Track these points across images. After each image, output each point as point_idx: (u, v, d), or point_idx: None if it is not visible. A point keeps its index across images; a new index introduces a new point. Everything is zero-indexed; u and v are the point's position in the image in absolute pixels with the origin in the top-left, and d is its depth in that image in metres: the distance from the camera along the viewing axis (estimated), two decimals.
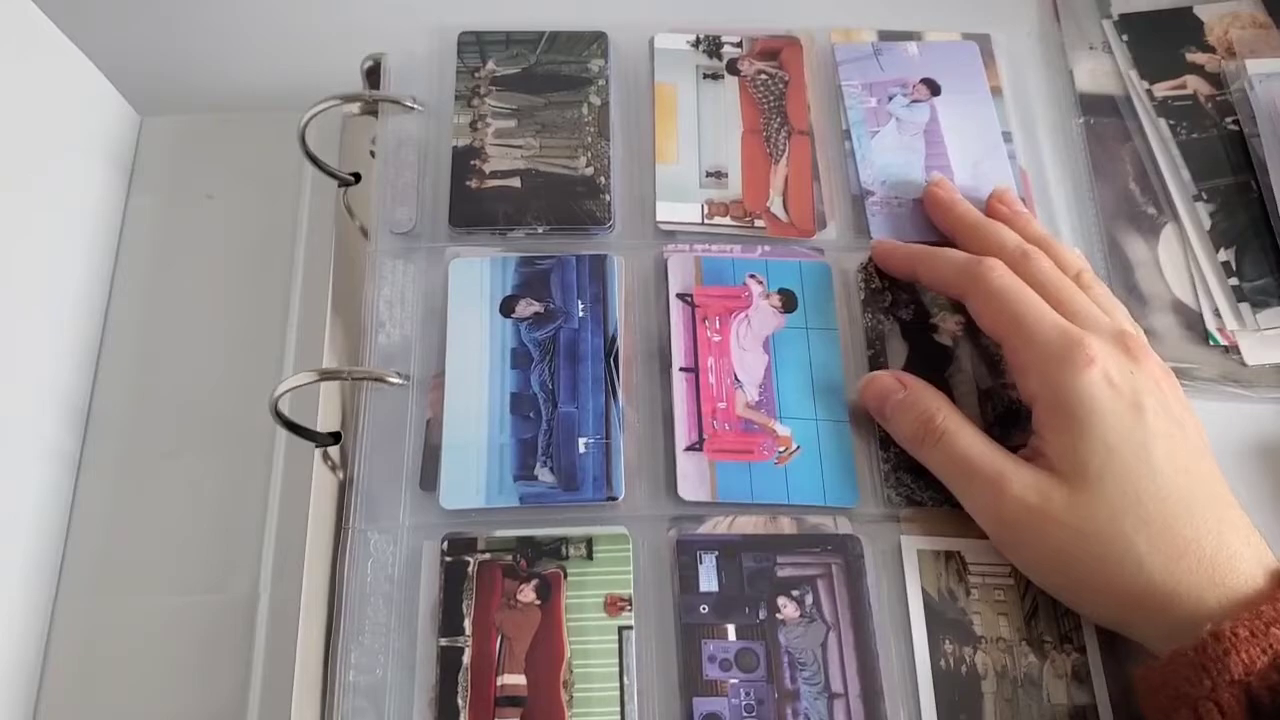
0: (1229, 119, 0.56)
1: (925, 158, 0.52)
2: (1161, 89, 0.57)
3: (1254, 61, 0.56)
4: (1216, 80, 0.57)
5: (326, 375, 0.46)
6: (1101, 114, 0.56)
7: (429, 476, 0.44)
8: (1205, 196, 0.53)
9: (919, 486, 0.44)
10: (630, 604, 0.41)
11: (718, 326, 0.47)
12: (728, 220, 0.50)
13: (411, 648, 0.41)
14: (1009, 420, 0.46)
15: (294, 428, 0.45)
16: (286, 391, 0.44)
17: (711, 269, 0.49)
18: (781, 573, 0.42)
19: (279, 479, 0.47)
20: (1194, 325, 0.51)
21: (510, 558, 0.42)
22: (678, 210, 0.50)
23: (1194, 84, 0.57)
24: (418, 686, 0.40)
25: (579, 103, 0.53)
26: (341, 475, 0.44)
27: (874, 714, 0.40)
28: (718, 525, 0.43)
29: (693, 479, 0.44)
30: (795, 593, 0.42)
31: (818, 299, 0.48)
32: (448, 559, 0.42)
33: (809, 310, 0.48)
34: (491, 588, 0.42)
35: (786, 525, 0.43)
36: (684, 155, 0.52)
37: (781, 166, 0.52)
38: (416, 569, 0.42)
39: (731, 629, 0.41)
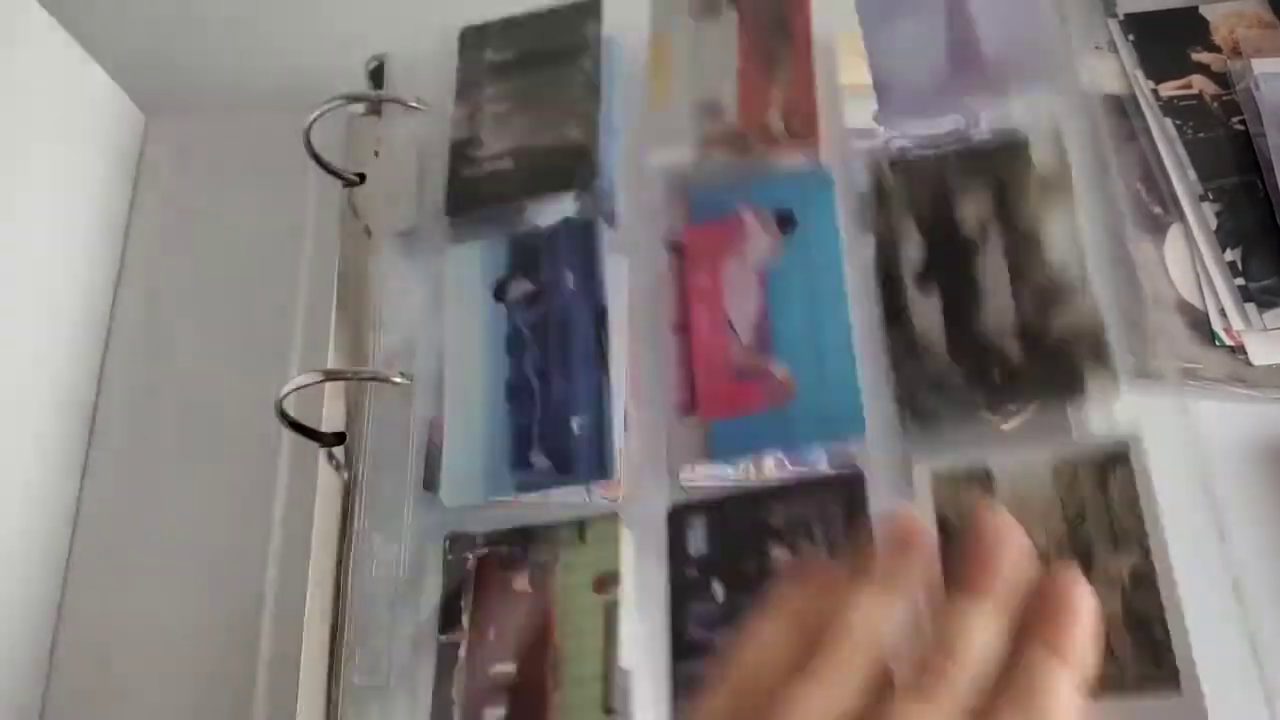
0: (1235, 118, 0.55)
1: (947, 28, 0.48)
2: (1167, 88, 0.56)
3: (1260, 61, 0.56)
4: (1222, 80, 0.57)
5: (331, 375, 0.46)
6: (1107, 114, 0.56)
7: (432, 475, 0.44)
8: (1211, 196, 0.53)
9: (939, 403, 0.40)
10: (619, 581, 0.41)
11: (709, 269, 0.45)
12: (724, 153, 0.47)
13: (413, 646, 0.41)
14: (1045, 305, 0.41)
15: (299, 428, 0.45)
16: (291, 392, 0.44)
17: (700, 203, 0.46)
18: (775, 522, 0.41)
19: (284, 479, 0.47)
20: (1200, 325, 0.51)
21: (506, 549, 0.42)
22: (671, 155, 0.48)
23: (1200, 83, 0.57)
24: (418, 684, 0.40)
25: (571, 70, 0.50)
26: (346, 475, 0.44)
27: None
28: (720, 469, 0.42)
29: (684, 442, 0.43)
30: (790, 539, 0.40)
31: (819, 213, 0.44)
32: (449, 557, 0.42)
33: (809, 227, 0.44)
34: (488, 580, 0.42)
35: (791, 467, 0.42)
36: (677, 100, 0.49)
37: (781, 78, 0.48)
38: (418, 568, 0.42)
39: (720, 589, 0.40)
